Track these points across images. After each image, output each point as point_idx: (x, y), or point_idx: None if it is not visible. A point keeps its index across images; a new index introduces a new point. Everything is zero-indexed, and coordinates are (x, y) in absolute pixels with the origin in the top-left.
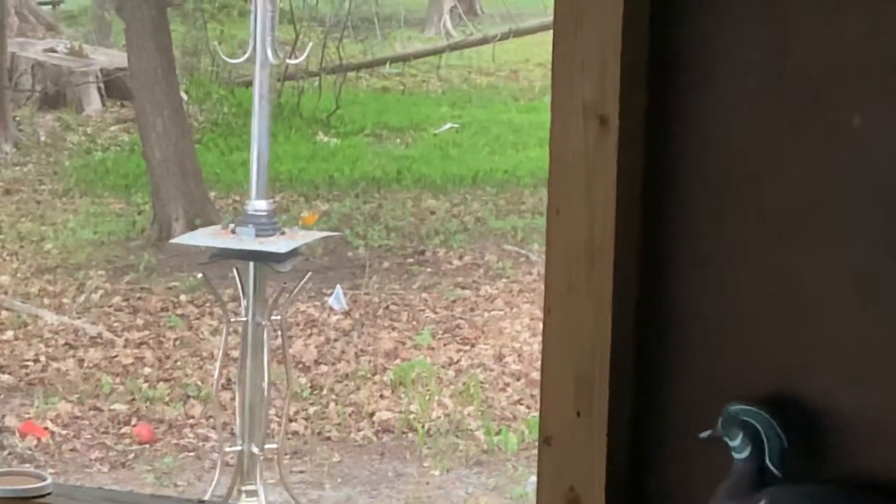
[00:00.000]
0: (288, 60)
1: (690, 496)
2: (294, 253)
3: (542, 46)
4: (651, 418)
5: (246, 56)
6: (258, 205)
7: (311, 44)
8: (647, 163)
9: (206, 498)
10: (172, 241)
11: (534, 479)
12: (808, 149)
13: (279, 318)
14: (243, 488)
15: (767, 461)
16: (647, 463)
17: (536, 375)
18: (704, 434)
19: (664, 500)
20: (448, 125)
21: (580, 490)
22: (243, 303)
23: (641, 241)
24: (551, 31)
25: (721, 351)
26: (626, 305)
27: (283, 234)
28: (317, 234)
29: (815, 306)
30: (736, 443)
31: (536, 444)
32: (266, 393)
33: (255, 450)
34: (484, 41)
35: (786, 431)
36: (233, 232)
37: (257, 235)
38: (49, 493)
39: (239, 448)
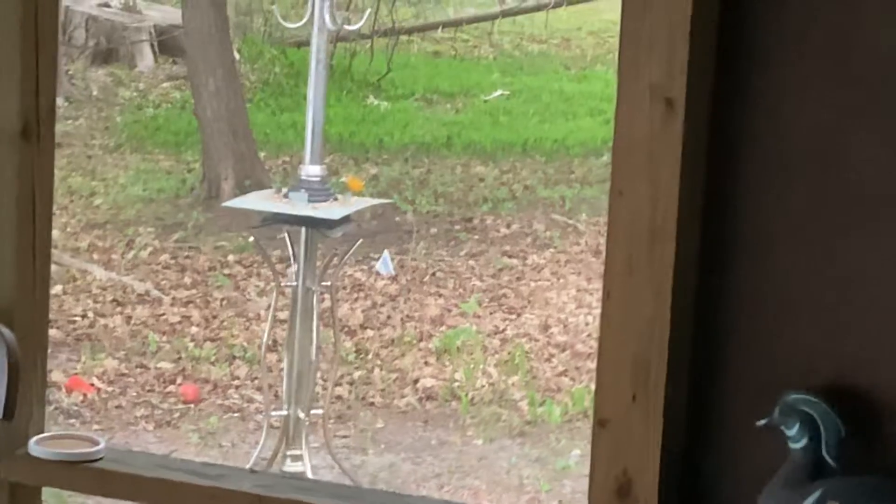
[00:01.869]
0: (346, 26)
1: (744, 484)
2: (346, 220)
3: (594, 15)
4: (707, 404)
5: (304, 20)
6: (311, 170)
7: (368, 10)
8: (712, 145)
9: (252, 460)
10: (225, 204)
11: (577, 451)
12: (878, 132)
13: (329, 283)
14: (288, 452)
15: (824, 452)
16: (702, 449)
17: (581, 347)
18: (761, 422)
19: (718, 487)
20: (499, 92)
21: (633, 474)
22: (294, 268)
23: (704, 224)
24: (604, 0)
25: (781, 337)
26: (686, 289)
27: (335, 199)
28: (369, 202)
29: (878, 295)
30: (793, 432)
31: (580, 416)
32: (314, 359)
33: (301, 415)
34: (537, 8)
35: (843, 422)
36: (285, 196)
37: (310, 201)
38: (101, 458)
39: (285, 413)
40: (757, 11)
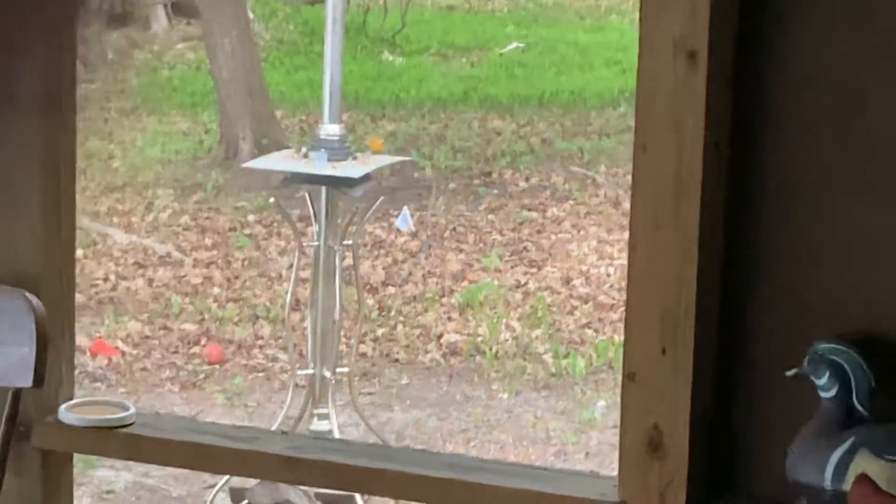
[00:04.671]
0: None
1: (775, 434)
2: (366, 178)
3: None
4: (736, 356)
5: None
6: (331, 129)
7: None
8: (736, 98)
9: (279, 420)
10: (244, 165)
11: (602, 403)
12: None
13: (350, 242)
14: (315, 411)
15: (855, 400)
16: (732, 401)
17: (604, 299)
18: (791, 372)
19: (748, 439)
20: (514, 44)
21: (664, 427)
22: (315, 227)
23: (729, 177)
24: None
25: (808, 288)
26: (712, 242)
27: (355, 158)
28: (389, 159)
29: None
30: (823, 381)
31: (604, 368)
32: (338, 317)
33: (327, 373)
34: None
35: (873, 370)
36: (305, 156)
37: (330, 160)
38: (132, 423)
39: (310, 371)
40: None
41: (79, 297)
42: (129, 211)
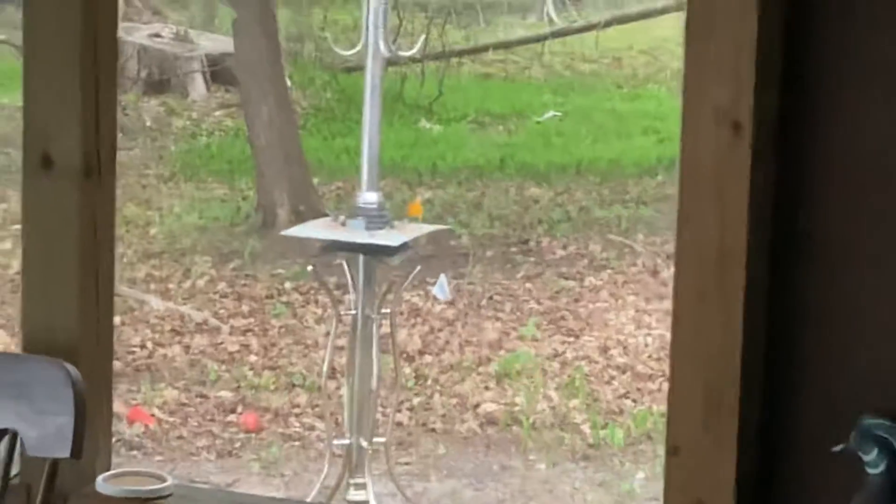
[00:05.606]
0: (400, 52)
1: None
2: (404, 246)
3: (645, 32)
4: (781, 429)
5: (358, 48)
6: (369, 197)
7: (422, 36)
8: (780, 168)
9: (315, 489)
10: (283, 233)
11: (641, 475)
12: None
13: (388, 310)
14: (351, 481)
15: None
16: (777, 475)
17: (642, 368)
18: (838, 448)
19: None
20: (551, 113)
21: (708, 501)
22: (352, 296)
23: (773, 247)
24: (655, 18)
25: (855, 360)
26: (756, 314)
27: (392, 226)
28: (427, 228)
29: None
30: (870, 457)
31: (643, 439)
32: (374, 386)
33: (364, 443)
34: (587, 28)
35: None
36: (342, 224)
37: (367, 228)
38: (169, 495)
39: (347, 441)
40: (822, 33)
41: (116, 364)
42: (167, 278)
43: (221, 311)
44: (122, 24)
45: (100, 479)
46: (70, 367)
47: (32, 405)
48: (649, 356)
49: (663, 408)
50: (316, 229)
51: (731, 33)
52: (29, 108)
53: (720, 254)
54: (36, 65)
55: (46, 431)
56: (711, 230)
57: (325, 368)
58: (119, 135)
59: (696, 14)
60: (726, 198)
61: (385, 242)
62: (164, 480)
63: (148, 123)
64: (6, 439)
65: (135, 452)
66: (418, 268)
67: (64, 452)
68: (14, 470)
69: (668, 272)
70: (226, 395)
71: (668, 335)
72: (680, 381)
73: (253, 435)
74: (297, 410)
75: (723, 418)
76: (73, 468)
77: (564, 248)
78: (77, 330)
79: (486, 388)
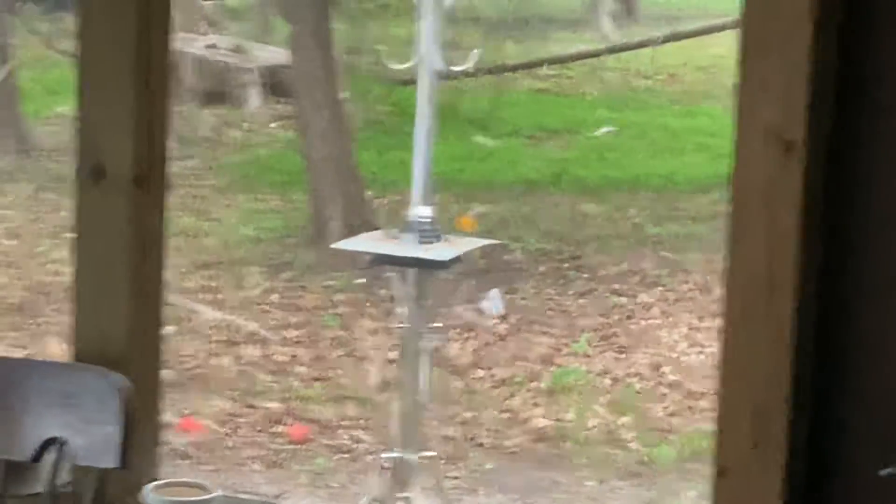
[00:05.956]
0: (453, 67)
1: None
2: (456, 260)
3: (701, 49)
4: (829, 451)
5: (412, 62)
6: (421, 211)
7: (475, 50)
8: (831, 188)
9: (363, 502)
10: (335, 245)
11: (692, 493)
12: None
13: (439, 324)
14: (399, 495)
15: None
16: (825, 498)
17: (693, 386)
18: (886, 471)
19: None
20: (605, 128)
21: None
22: (403, 309)
23: (824, 270)
24: (711, 35)
25: None
26: (805, 335)
27: (445, 240)
28: (478, 242)
29: None
30: None
31: (693, 457)
32: (424, 400)
33: (412, 456)
34: (642, 44)
35: None
36: (394, 238)
37: (420, 242)
38: None
39: (395, 455)
40: (876, 53)
41: (168, 374)
42: (220, 288)
43: (273, 322)
44: (179, 36)
45: (147, 488)
46: (119, 376)
47: (81, 414)
48: (701, 374)
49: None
50: (367, 242)
51: (784, 52)
52: (82, 119)
53: (770, 274)
54: (90, 76)
55: (94, 441)
56: (761, 250)
57: (374, 381)
58: (175, 145)
59: (749, 32)
60: (777, 218)
61: (436, 257)
62: (210, 491)
63: (204, 134)
64: (55, 448)
65: (185, 462)
66: (472, 282)
67: (111, 462)
68: (63, 479)
69: (720, 290)
70: (275, 405)
71: None
72: (728, 402)
73: (301, 446)
74: (346, 422)
75: (771, 440)
76: (121, 477)
77: (617, 264)
78: (126, 340)
79: (537, 403)
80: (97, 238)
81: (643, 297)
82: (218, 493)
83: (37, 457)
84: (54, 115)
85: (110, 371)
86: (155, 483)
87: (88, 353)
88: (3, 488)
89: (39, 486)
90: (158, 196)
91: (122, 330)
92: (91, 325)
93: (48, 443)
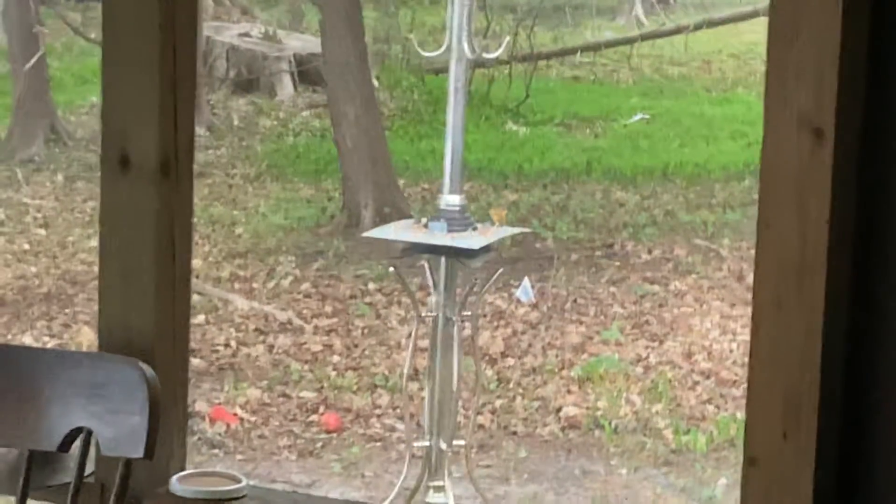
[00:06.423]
0: (484, 54)
1: None
2: (486, 249)
3: (735, 36)
4: (860, 441)
5: (442, 50)
6: (451, 199)
7: (507, 38)
8: (862, 177)
9: (395, 491)
10: (365, 234)
11: (723, 481)
12: None
13: (469, 312)
14: (431, 483)
15: None
16: (856, 487)
17: (726, 374)
18: None
19: None
20: (639, 116)
21: None
22: (433, 298)
23: (855, 258)
24: (745, 22)
25: None
26: (837, 324)
27: (475, 229)
28: (509, 230)
29: None
30: None
31: (725, 445)
32: (455, 389)
33: (444, 446)
34: (676, 31)
35: None
36: (425, 226)
37: (450, 231)
38: (244, 496)
39: (427, 443)
40: None
41: (199, 363)
42: (251, 277)
43: (305, 311)
44: (211, 24)
45: (174, 479)
46: (145, 366)
47: (107, 404)
48: (733, 362)
49: None
50: (397, 231)
51: (814, 37)
52: (107, 108)
53: (800, 262)
54: (114, 64)
55: (120, 431)
56: (792, 238)
57: (406, 370)
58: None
59: (779, 18)
60: (807, 205)
61: (466, 245)
62: (238, 481)
63: (236, 123)
64: (81, 438)
65: (217, 451)
66: (500, 270)
67: (137, 452)
68: (89, 469)
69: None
70: (308, 395)
71: None
72: (758, 391)
73: (334, 435)
74: (378, 411)
75: (802, 430)
76: (147, 468)
77: (649, 252)
78: (153, 330)
79: (569, 391)
80: (123, 227)
81: (676, 285)
82: (245, 482)
83: (63, 447)
84: (87, 104)
85: (137, 361)
86: (182, 473)
87: (115, 342)
88: (30, 478)
89: (66, 477)
90: (185, 185)
91: (149, 319)
92: (117, 314)
93: (75, 433)
